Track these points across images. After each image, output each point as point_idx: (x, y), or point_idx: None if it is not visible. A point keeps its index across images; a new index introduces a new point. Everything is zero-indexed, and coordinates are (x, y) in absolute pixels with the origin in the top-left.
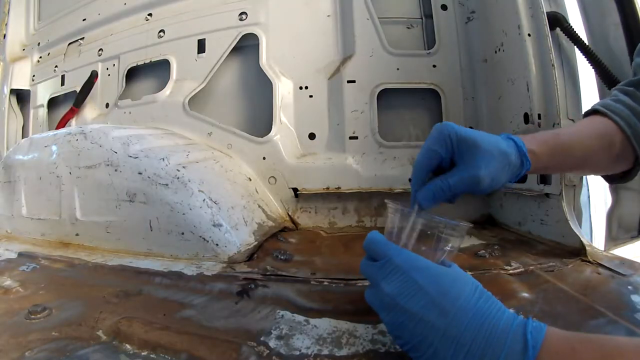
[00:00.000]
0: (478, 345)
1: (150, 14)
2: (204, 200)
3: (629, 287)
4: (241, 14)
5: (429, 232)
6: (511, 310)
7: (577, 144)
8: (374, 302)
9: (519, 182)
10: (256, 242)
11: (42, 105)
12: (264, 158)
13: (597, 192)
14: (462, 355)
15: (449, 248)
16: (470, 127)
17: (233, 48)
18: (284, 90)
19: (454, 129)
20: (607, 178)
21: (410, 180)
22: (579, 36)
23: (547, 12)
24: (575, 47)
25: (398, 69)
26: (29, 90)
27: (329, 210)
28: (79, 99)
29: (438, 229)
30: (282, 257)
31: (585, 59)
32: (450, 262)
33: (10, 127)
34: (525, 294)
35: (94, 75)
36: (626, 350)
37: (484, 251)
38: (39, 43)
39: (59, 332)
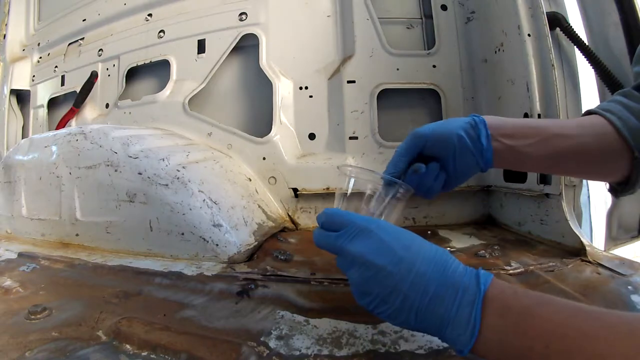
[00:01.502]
0: (442, 287)
1: (150, 14)
2: (204, 200)
3: (629, 287)
4: (241, 14)
5: (367, 192)
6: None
7: (561, 129)
8: (343, 265)
9: (519, 181)
10: (256, 243)
11: (42, 106)
12: (264, 158)
13: (597, 192)
14: (428, 297)
15: (386, 200)
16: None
17: (233, 48)
18: (284, 90)
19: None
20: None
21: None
22: (579, 36)
23: (547, 12)
24: (575, 47)
25: (398, 69)
26: (29, 90)
27: None
28: (79, 99)
29: (371, 184)
30: (282, 257)
31: (585, 59)
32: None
33: (10, 128)
34: None
35: (94, 76)
36: (557, 301)
37: (484, 251)
38: (39, 43)
39: (59, 332)
